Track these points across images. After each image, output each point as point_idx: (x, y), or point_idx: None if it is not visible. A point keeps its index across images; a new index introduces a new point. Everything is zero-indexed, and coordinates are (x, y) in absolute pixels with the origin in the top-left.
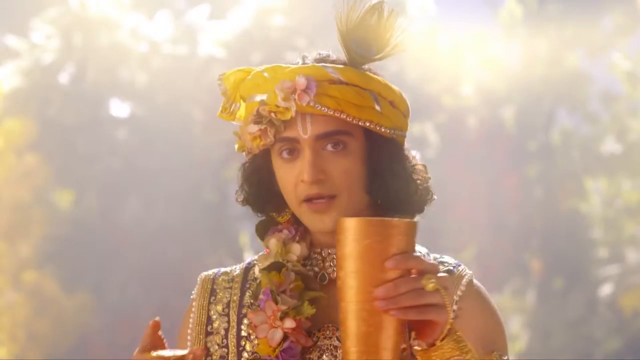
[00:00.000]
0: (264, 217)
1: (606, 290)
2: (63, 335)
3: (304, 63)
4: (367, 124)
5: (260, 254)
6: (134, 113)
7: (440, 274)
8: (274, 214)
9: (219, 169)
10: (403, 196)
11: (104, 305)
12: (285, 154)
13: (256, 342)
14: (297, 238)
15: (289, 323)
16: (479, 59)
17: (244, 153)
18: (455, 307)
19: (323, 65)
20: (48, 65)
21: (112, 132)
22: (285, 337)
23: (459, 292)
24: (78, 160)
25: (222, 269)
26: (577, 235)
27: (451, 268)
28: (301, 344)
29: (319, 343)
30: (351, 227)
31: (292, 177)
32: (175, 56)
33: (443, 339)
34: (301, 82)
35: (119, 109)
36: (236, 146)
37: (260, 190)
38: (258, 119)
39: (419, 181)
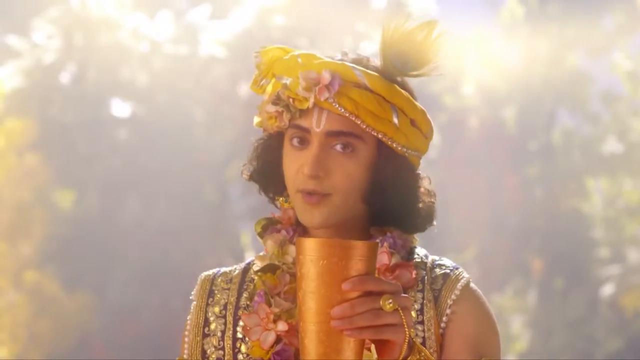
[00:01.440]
0: (266, 212)
1: (607, 290)
2: (64, 335)
3: (342, 58)
4: (380, 136)
5: (260, 255)
6: (134, 113)
7: (401, 295)
8: (278, 197)
9: (220, 169)
10: (400, 214)
11: (105, 305)
12: (295, 142)
13: (250, 344)
14: (295, 239)
15: (282, 326)
16: (480, 58)
17: (261, 129)
18: (448, 310)
19: (352, 67)
20: (49, 65)
21: (113, 132)
22: (278, 339)
23: (453, 296)
24: (79, 160)
25: (222, 269)
26: (578, 235)
27: (448, 271)
28: (295, 347)
29: None
30: (309, 247)
31: (296, 166)
32: (176, 56)
33: None
34: (325, 77)
35: (120, 108)
36: (255, 120)
37: (268, 170)
38: (276, 100)
39: (420, 205)
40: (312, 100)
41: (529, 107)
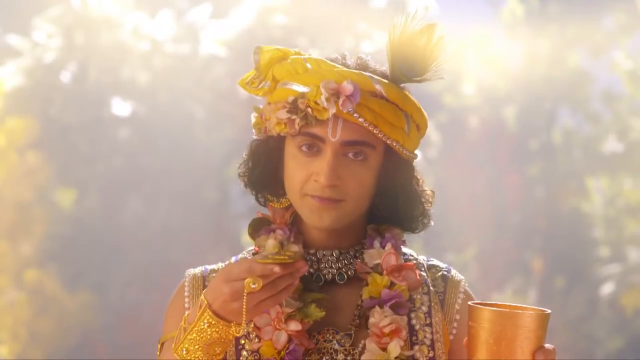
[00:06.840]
0: (261, 199)
1: (607, 289)
2: (65, 335)
3: (343, 61)
4: (394, 144)
5: (248, 250)
6: (135, 112)
7: None
8: (271, 197)
9: (221, 168)
10: (406, 214)
11: (106, 304)
12: (304, 148)
13: (256, 341)
14: (292, 239)
15: (294, 325)
16: (480, 58)
17: (255, 129)
18: (457, 316)
19: (370, 77)
20: (50, 64)
21: (114, 131)
22: (289, 339)
23: (459, 300)
24: (80, 159)
25: (209, 267)
26: (578, 235)
27: (445, 273)
28: (304, 346)
29: (318, 346)
30: (484, 317)
31: (305, 172)
32: (177, 55)
33: None
34: (348, 88)
35: (121, 108)
36: (253, 120)
37: (265, 172)
38: (293, 108)
39: (427, 206)
40: (332, 110)
41: (530, 107)
